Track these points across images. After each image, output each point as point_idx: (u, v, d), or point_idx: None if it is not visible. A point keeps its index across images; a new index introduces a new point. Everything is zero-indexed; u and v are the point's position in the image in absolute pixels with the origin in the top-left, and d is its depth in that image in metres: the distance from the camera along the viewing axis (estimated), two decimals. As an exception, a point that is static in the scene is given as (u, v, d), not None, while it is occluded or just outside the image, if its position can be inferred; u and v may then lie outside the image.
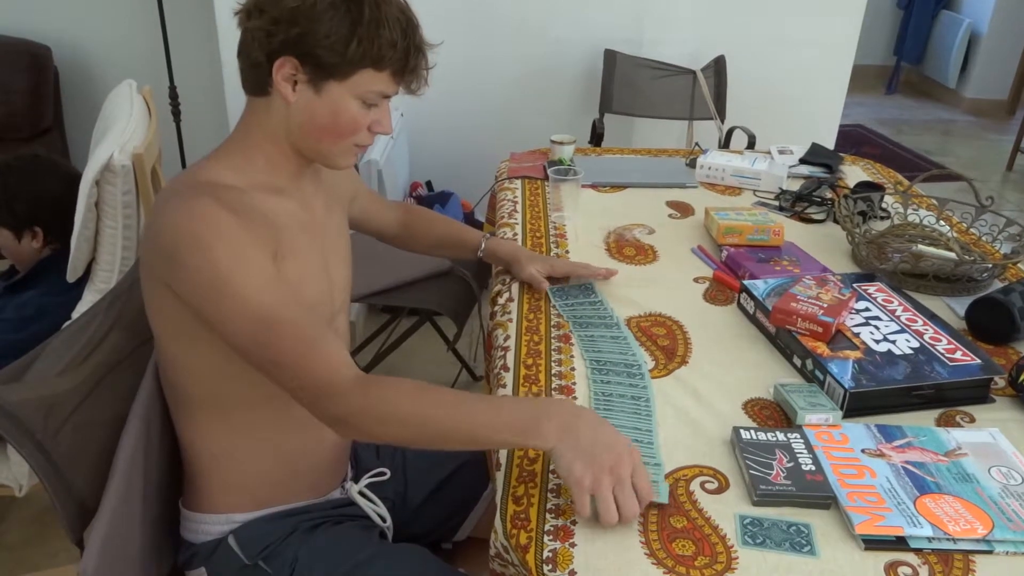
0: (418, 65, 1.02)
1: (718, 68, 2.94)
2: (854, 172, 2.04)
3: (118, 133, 1.68)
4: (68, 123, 3.26)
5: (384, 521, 1.23)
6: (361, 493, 1.22)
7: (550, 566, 0.85)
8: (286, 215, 1.03)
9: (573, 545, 0.87)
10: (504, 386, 1.16)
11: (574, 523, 0.90)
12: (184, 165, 3.10)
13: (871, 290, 1.33)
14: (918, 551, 0.87)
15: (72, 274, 1.70)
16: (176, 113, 3.04)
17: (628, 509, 0.88)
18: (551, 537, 0.89)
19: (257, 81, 1.00)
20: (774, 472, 0.96)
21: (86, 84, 3.27)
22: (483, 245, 1.46)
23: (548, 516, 0.91)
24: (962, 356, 1.14)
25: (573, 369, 1.19)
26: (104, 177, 1.61)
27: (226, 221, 0.93)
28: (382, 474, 1.26)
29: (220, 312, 0.92)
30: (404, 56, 0.99)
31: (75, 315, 1.68)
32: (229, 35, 2.69)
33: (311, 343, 0.93)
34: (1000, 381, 1.16)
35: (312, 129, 1.02)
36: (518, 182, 1.93)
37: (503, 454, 1.02)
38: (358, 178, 1.38)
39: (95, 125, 1.89)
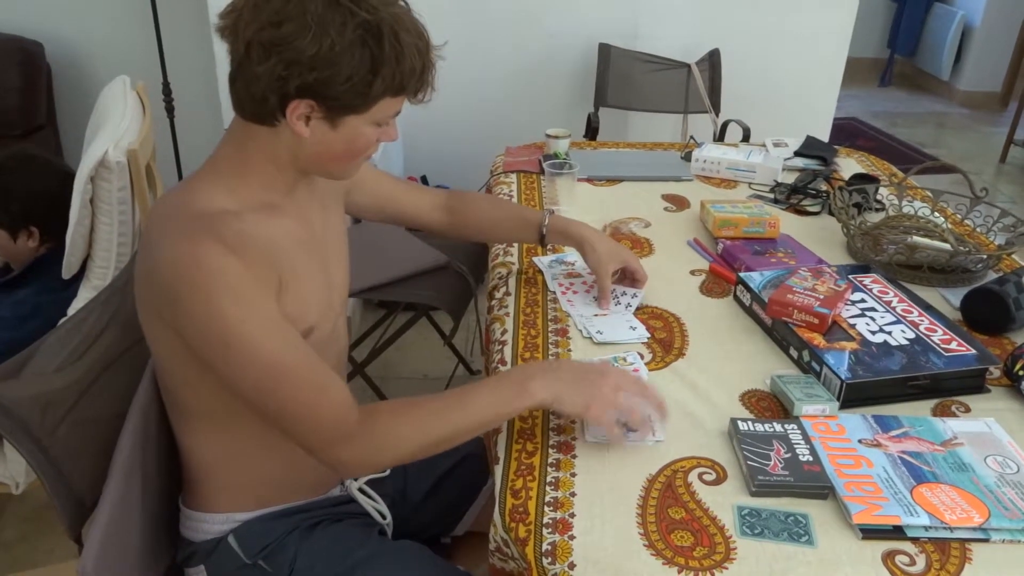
0: (430, 78, 0.98)
1: (713, 62, 2.94)
2: (849, 164, 2.05)
3: (112, 129, 1.67)
4: (61, 120, 3.24)
5: (384, 518, 1.23)
6: (361, 490, 1.22)
7: (549, 559, 0.86)
8: (284, 236, 0.99)
9: (572, 538, 0.88)
10: (502, 380, 1.16)
11: (572, 516, 0.91)
12: (178, 161, 3.08)
13: (867, 282, 1.33)
14: (915, 540, 0.88)
15: (67, 271, 1.69)
16: (169, 109, 3.03)
17: (637, 411, 0.98)
18: (550, 530, 0.89)
19: (262, 114, 0.95)
20: (772, 463, 0.96)
21: (79, 81, 3.25)
22: (546, 221, 1.37)
23: (546, 509, 0.92)
24: (957, 347, 1.15)
25: (570, 362, 1.19)
26: (99, 174, 1.61)
27: (230, 267, 0.89)
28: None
29: (225, 361, 0.91)
30: (421, 77, 0.96)
31: (71, 312, 1.68)
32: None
33: (319, 389, 0.93)
34: (995, 371, 1.17)
35: (326, 157, 0.99)
36: (513, 176, 1.93)
37: (501, 448, 1.03)
38: None
39: (89, 122, 1.89)
